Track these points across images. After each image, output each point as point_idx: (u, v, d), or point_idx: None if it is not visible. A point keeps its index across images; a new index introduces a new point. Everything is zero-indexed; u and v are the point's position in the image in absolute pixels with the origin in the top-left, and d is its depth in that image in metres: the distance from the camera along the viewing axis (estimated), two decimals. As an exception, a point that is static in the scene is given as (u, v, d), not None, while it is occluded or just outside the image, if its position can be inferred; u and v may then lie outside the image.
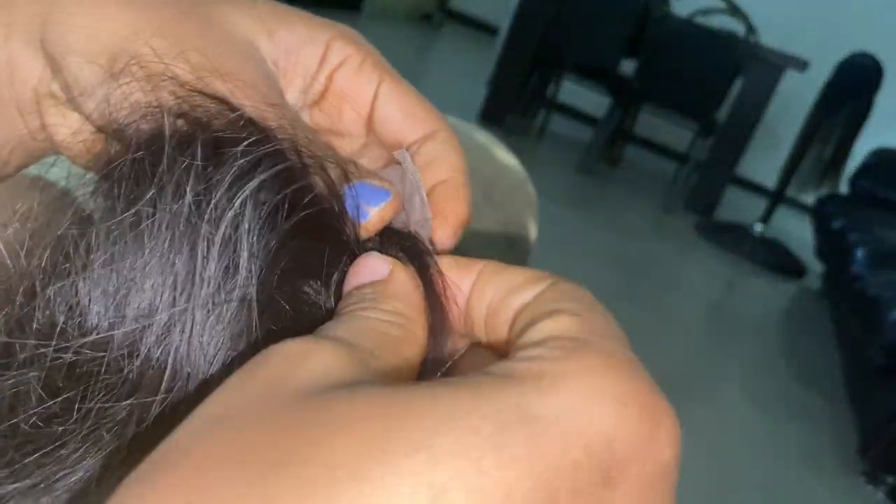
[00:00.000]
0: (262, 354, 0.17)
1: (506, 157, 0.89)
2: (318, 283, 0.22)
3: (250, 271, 0.19)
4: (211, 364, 0.19)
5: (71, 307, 0.19)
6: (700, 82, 3.41)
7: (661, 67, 3.50)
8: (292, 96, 0.28)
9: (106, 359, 0.18)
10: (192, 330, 0.19)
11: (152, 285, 0.19)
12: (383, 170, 0.28)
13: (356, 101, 0.28)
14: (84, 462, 0.18)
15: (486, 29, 5.57)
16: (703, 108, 3.52)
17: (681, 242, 3.40)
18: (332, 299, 0.22)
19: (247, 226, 0.19)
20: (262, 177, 0.20)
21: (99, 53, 0.24)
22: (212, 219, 0.19)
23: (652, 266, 3.07)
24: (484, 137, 0.90)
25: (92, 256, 0.19)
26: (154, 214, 0.19)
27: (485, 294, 0.22)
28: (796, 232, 3.84)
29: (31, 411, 0.18)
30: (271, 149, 0.21)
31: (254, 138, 0.21)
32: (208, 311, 0.19)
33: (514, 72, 3.74)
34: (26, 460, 0.18)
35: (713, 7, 3.58)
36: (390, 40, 5.06)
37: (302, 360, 0.17)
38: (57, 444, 0.18)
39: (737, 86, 3.47)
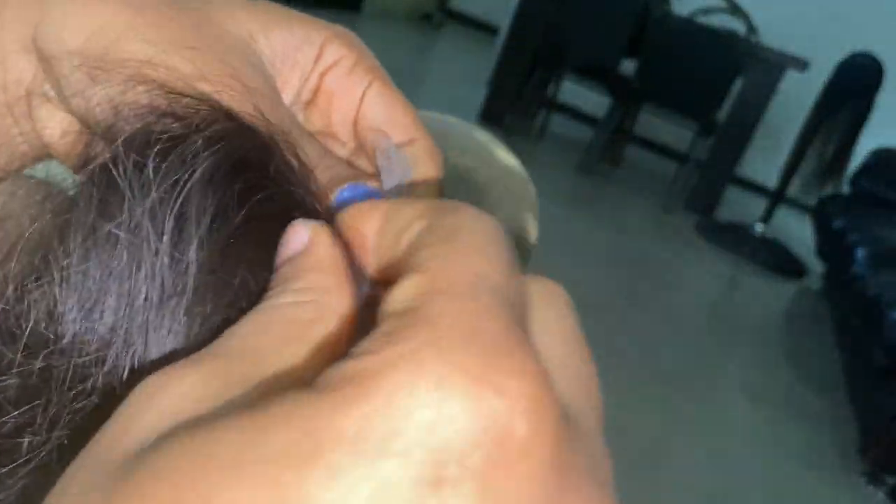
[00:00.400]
0: (130, 399, 0.16)
1: (506, 157, 0.89)
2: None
3: (200, 269, 0.19)
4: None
5: (49, 312, 0.19)
6: (700, 82, 3.41)
7: (662, 67, 3.50)
8: (288, 96, 0.28)
9: (73, 365, 0.18)
10: (146, 337, 0.18)
11: (118, 292, 0.18)
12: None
13: (344, 102, 0.28)
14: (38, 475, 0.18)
15: (486, 29, 5.57)
16: (703, 107, 3.52)
17: (681, 242, 3.40)
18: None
19: (193, 220, 0.19)
20: (204, 165, 0.19)
21: (91, 49, 0.24)
22: (158, 219, 0.19)
23: (652, 266, 3.07)
24: (484, 137, 0.90)
25: (68, 261, 0.19)
26: (118, 218, 0.19)
27: (384, 239, 0.20)
28: (797, 232, 3.84)
29: (6, 419, 0.18)
30: (219, 136, 0.20)
31: (213, 129, 0.20)
32: (162, 317, 0.18)
33: (514, 72, 3.73)
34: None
35: (713, 6, 3.58)
36: (390, 40, 5.06)
37: (150, 400, 0.16)
38: (27, 456, 0.17)
39: (737, 85, 3.47)
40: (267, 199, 0.21)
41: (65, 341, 0.18)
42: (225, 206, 0.20)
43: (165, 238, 0.19)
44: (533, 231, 0.89)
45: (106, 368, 0.18)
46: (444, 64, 5.13)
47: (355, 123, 0.29)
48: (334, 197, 0.23)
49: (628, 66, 3.67)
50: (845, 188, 3.32)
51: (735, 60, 3.35)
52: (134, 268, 0.19)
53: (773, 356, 2.66)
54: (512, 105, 3.82)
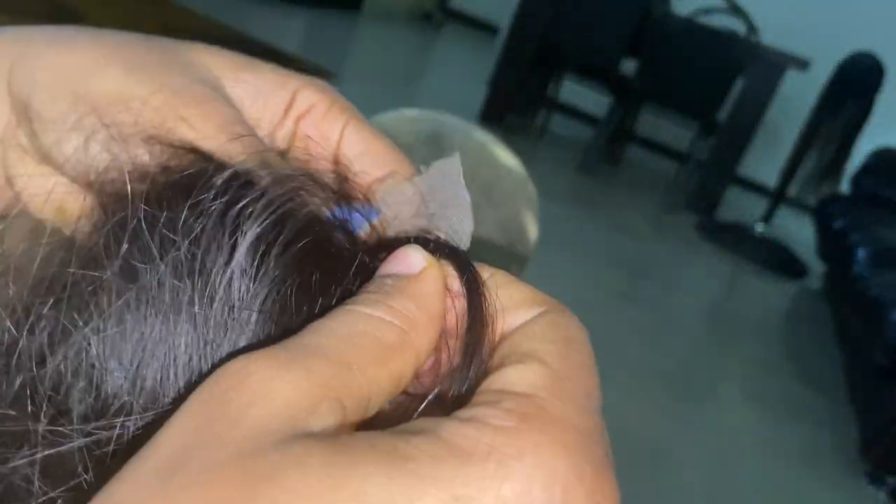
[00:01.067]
0: (212, 380, 0.17)
1: (506, 156, 0.89)
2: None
3: (250, 323, 0.19)
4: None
5: (87, 375, 0.18)
6: (701, 82, 3.41)
7: (662, 67, 3.50)
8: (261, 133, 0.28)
9: (123, 436, 0.18)
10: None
11: (164, 350, 0.18)
12: (417, 177, 0.27)
13: (322, 144, 0.28)
14: None
15: (486, 29, 5.57)
16: (704, 107, 3.52)
17: (681, 242, 3.39)
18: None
19: (238, 278, 0.19)
20: (250, 226, 0.19)
21: (63, 87, 0.24)
22: (204, 276, 0.18)
23: (652, 266, 3.07)
24: (484, 137, 0.90)
25: (102, 317, 0.18)
26: (150, 276, 0.19)
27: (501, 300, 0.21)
28: (797, 232, 3.84)
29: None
30: (249, 189, 0.20)
31: (229, 178, 0.20)
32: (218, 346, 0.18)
33: (514, 71, 3.73)
34: None
35: (714, 6, 3.58)
36: (390, 40, 5.07)
37: (251, 392, 0.16)
38: None
39: (738, 85, 3.47)
40: (308, 241, 0.20)
41: (112, 409, 0.18)
42: (265, 258, 0.19)
43: (217, 295, 0.18)
44: (533, 231, 0.89)
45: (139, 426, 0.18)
46: (444, 64, 5.13)
47: (335, 161, 0.29)
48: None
49: (629, 66, 3.67)
50: (846, 188, 3.32)
51: (735, 60, 3.35)
52: (179, 327, 0.18)
53: (773, 356, 2.66)
54: (512, 105, 3.82)
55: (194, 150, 0.22)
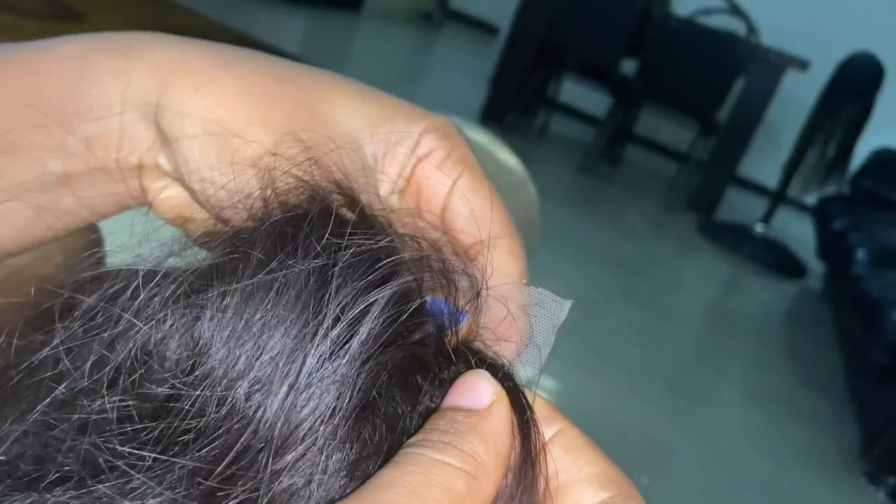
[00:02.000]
0: None
1: (506, 156, 0.89)
2: (408, 393, 0.21)
3: (357, 360, 0.19)
4: (287, 437, 0.18)
5: (195, 342, 0.19)
6: (701, 82, 3.41)
7: (662, 67, 3.50)
8: (386, 187, 0.29)
9: (198, 401, 0.18)
10: (286, 398, 0.18)
11: (271, 344, 0.19)
12: (528, 288, 0.28)
13: (433, 192, 0.29)
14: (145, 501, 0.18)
15: (486, 28, 5.57)
16: (704, 107, 3.52)
17: (681, 242, 3.40)
18: (415, 418, 0.21)
19: (368, 321, 0.19)
20: (395, 288, 0.20)
21: (209, 142, 0.25)
22: (338, 301, 0.19)
23: (652, 266, 3.07)
24: (484, 137, 0.90)
25: (226, 301, 0.19)
26: (287, 278, 0.19)
27: (550, 465, 0.22)
28: (797, 232, 3.84)
29: (113, 435, 0.18)
30: (397, 256, 0.21)
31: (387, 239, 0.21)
32: (307, 384, 0.19)
33: (514, 71, 3.73)
34: (93, 486, 0.18)
35: (714, 7, 3.58)
36: (390, 40, 5.07)
37: None
38: (127, 477, 0.18)
39: (738, 86, 3.47)
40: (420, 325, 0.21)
41: (197, 373, 0.19)
42: (393, 321, 0.20)
43: (341, 322, 0.19)
44: (534, 231, 0.89)
45: (222, 413, 0.18)
46: (444, 64, 5.13)
47: (443, 212, 0.29)
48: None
49: (629, 66, 3.68)
50: (846, 188, 3.32)
51: (735, 60, 3.35)
52: (296, 331, 0.19)
53: (773, 356, 2.66)
54: (512, 105, 3.82)
55: (351, 197, 0.23)
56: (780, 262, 3.41)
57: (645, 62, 3.59)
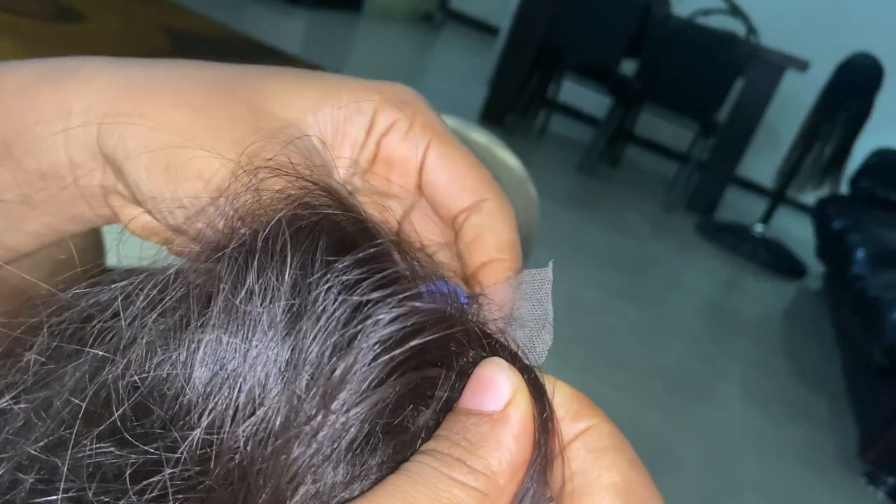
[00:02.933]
0: None
1: (506, 157, 0.89)
2: (419, 396, 0.19)
3: (355, 395, 0.18)
4: (283, 475, 0.17)
5: (175, 377, 0.18)
6: (701, 82, 3.41)
7: (662, 67, 3.50)
8: (340, 169, 0.28)
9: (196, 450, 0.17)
10: (277, 433, 0.17)
11: (257, 375, 0.17)
12: (513, 278, 0.26)
13: (404, 169, 0.28)
14: None
15: (486, 29, 5.57)
16: (703, 108, 3.53)
17: (681, 242, 3.40)
18: (433, 413, 0.19)
19: (364, 353, 0.18)
20: (393, 316, 0.18)
21: (154, 162, 0.25)
22: (331, 329, 0.18)
23: (652, 266, 3.07)
24: (484, 137, 0.90)
25: (207, 328, 0.18)
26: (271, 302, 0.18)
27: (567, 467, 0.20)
28: (797, 232, 3.85)
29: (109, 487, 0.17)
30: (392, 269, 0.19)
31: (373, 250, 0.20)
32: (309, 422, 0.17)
33: (514, 72, 3.74)
34: None
35: (714, 7, 3.58)
36: (390, 40, 5.07)
37: None
38: None
39: (737, 86, 3.47)
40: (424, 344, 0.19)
41: (203, 418, 0.17)
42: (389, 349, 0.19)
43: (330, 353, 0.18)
44: (534, 231, 0.89)
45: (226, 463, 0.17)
46: (444, 64, 5.13)
47: (419, 187, 0.28)
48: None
49: (629, 67, 3.68)
50: (845, 188, 3.33)
51: (735, 61, 3.35)
52: (282, 360, 0.18)
53: (773, 356, 2.66)
54: (512, 105, 3.82)
55: (340, 204, 0.21)
56: (780, 262, 3.41)
57: (645, 63, 3.59)
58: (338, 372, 0.17)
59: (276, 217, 0.20)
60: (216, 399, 0.17)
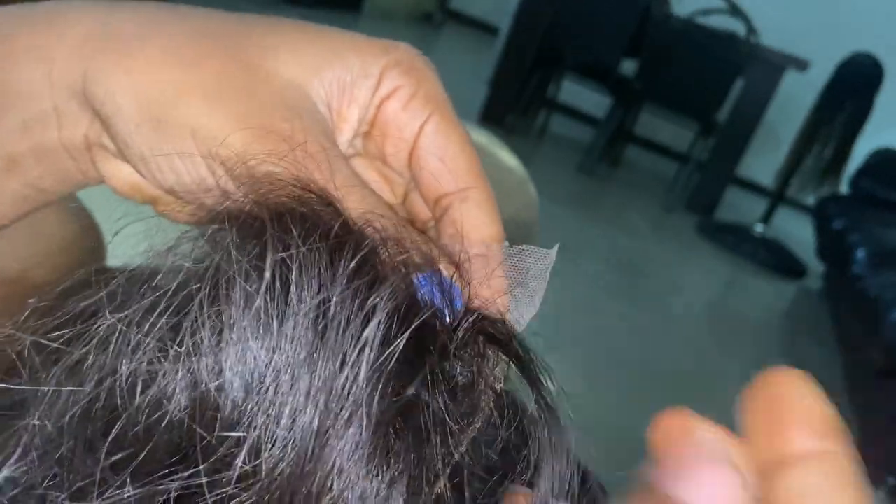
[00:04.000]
0: None
1: (506, 157, 0.89)
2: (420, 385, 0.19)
3: (368, 383, 0.17)
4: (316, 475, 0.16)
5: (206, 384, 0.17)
6: (701, 82, 3.41)
7: (662, 67, 3.50)
8: (347, 132, 0.27)
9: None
10: (313, 431, 0.16)
11: (290, 377, 0.17)
12: (508, 248, 0.25)
13: (399, 136, 0.26)
14: None
15: (486, 29, 5.57)
16: (703, 108, 3.52)
17: (681, 242, 3.40)
18: (441, 399, 0.19)
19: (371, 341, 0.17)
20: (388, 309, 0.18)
21: (143, 114, 0.23)
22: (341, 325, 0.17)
23: (652, 266, 3.07)
24: (484, 137, 0.90)
25: (226, 330, 0.17)
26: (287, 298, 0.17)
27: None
28: (797, 232, 3.84)
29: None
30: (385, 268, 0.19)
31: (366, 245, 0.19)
32: (333, 415, 0.17)
33: (514, 72, 3.73)
34: None
35: (714, 7, 3.58)
36: (390, 40, 5.06)
37: None
38: None
39: (737, 86, 3.47)
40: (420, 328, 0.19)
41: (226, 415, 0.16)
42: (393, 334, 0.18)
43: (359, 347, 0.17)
44: (533, 231, 0.89)
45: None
46: (444, 64, 5.07)
47: (410, 158, 0.27)
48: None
49: (629, 67, 3.68)
50: (845, 188, 3.32)
51: (735, 61, 3.35)
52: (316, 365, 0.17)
53: (773, 356, 2.66)
54: (512, 105, 3.82)
55: (325, 201, 0.20)
56: (780, 262, 3.41)
57: (645, 62, 3.59)
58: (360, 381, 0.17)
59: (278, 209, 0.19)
60: (254, 418, 0.16)
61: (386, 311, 0.18)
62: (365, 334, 0.17)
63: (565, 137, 4.29)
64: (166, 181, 0.24)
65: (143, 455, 0.16)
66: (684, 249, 3.32)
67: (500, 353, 0.20)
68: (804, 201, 3.70)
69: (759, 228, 3.54)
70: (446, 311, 0.20)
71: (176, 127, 0.23)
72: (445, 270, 0.21)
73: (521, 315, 0.23)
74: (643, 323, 2.47)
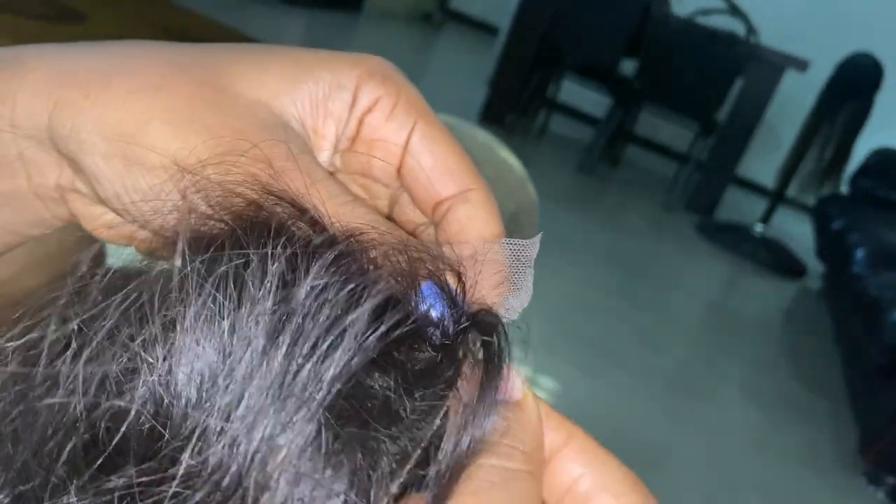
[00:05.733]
0: None
1: (506, 157, 0.90)
2: (388, 376, 0.19)
3: (329, 383, 0.17)
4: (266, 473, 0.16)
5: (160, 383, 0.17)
6: (700, 82, 3.41)
7: (662, 67, 3.50)
8: (326, 150, 0.26)
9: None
10: (263, 433, 0.16)
11: (242, 374, 0.17)
12: (493, 242, 0.25)
13: (386, 150, 0.26)
14: None
15: (486, 29, 5.57)
16: (703, 108, 3.53)
17: (681, 242, 3.40)
18: (402, 389, 0.19)
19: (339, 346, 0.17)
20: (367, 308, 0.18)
21: (111, 149, 0.23)
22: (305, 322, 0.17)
23: (652, 266, 3.07)
24: (484, 138, 0.90)
25: (179, 332, 0.17)
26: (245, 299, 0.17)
27: (571, 470, 0.21)
28: (797, 232, 3.84)
29: None
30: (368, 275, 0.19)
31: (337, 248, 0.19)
32: (285, 415, 0.17)
33: (514, 72, 3.74)
34: None
35: (713, 7, 3.58)
36: (390, 40, 5.06)
37: None
38: None
39: (737, 86, 3.47)
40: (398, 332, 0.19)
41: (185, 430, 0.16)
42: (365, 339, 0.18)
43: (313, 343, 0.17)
44: (533, 231, 0.89)
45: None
46: (444, 64, 5.13)
47: (400, 170, 0.26)
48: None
49: (628, 66, 3.68)
50: (845, 188, 3.33)
51: (735, 61, 3.35)
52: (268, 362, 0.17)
53: (773, 356, 2.66)
54: (512, 105, 3.82)
55: (294, 205, 0.20)
56: (780, 262, 3.41)
57: (644, 62, 3.59)
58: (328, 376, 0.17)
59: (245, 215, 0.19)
60: (203, 415, 0.16)
61: (353, 307, 0.18)
62: (321, 330, 0.17)
63: (565, 137, 4.29)
64: (143, 216, 0.23)
65: (99, 460, 0.16)
66: (684, 249, 3.33)
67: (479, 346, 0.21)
68: (804, 201, 3.70)
69: (759, 228, 3.54)
70: (450, 316, 0.20)
71: (146, 156, 0.22)
72: (449, 276, 0.21)
73: (511, 306, 0.23)
74: (643, 323, 2.47)
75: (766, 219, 3.54)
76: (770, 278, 3.32)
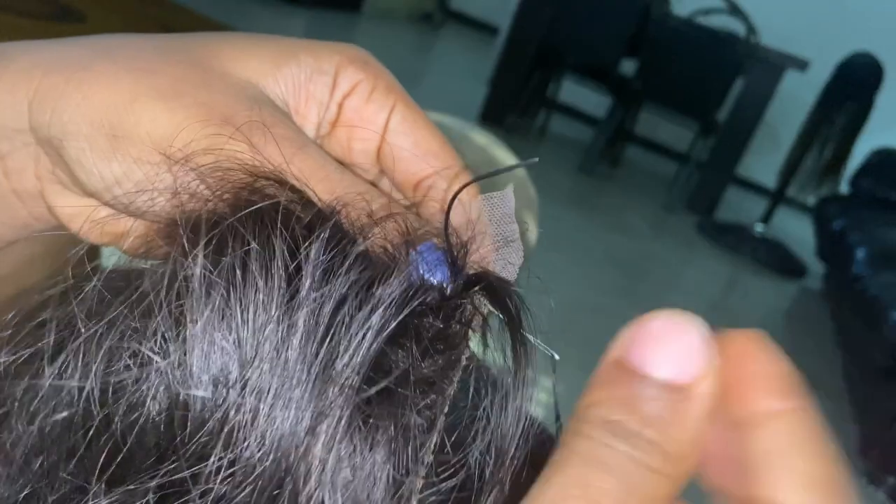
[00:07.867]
0: None
1: (506, 157, 0.89)
2: (404, 349, 0.19)
3: (347, 364, 0.17)
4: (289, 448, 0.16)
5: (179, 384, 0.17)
6: (701, 82, 3.41)
7: (662, 67, 3.50)
8: (309, 131, 0.27)
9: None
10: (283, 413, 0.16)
11: (263, 366, 0.17)
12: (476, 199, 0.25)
13: (366, 132, 0.27)
14: None
15: (486, 29, 5.57)
16: (703, 107, 3.52)
17: (681, 242, 3.40)
18: (419, 356, 0.19)
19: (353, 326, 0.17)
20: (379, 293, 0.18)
21: (96, 132, 0.22)
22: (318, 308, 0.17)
23: (652, 266, 3.07)
24: (484, 138, 0.90)
25: (193, 322, 0.17)
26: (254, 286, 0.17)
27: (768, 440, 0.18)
28: (797, 232, 3.84)
29: None
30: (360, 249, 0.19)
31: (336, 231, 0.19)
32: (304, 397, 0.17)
33: (514, 72, 3.74)
34: None
35: (714, 7, 3.58)
36: (390, 40, 5.06)
37: None
38: None
39: (737, 86, 3.47)
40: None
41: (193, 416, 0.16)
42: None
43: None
44: (533, 231, 0.89)
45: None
46: (443, 64, 5.13)
47: (379, 152, 0.27)
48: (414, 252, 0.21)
49: (629, 66, 3.68)
50: (845, 188, 3.33)
51: (735, 61, 3.35)
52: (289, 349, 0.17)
53: (773, 356, 2.66)
54: (512, 105, 3.82)
55: (280, 182, 0.20)
56: (780, 262, 3.41)
57: (644, 62, 3.59)
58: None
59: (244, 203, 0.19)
60: (226, 410, 0.16)
61: (363, 289, 0.18)
62: (340, 317, 0.17)
63: (565, 137, 4.29)
64: (130, 198, 0.22)
65: (119, 459, 0.16)
66: (684, 249, 3.32)
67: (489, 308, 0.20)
68: (804, 201, 3.70)
69: (759, 228, 3.54)
70: (449, 280, 0.20)
71: (133, 135, 0.22)
72: (439, 242, 0.21)
73: (508, 263, 0.24)
74: (643, 323, 2.47)
75: (766, 219, 3.54)
76: (770, 278, 3.32)
